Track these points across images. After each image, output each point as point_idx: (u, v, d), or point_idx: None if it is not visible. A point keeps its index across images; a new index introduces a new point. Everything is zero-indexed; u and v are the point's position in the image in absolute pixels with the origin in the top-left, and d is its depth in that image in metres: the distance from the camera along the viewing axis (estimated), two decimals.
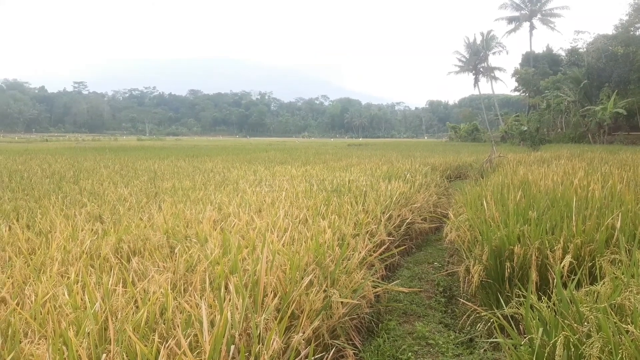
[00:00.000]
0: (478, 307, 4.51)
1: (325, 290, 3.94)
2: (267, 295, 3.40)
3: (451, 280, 6.12)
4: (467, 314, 4.75)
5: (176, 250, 4.61)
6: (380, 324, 4.66)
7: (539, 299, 3.44)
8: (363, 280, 4.43)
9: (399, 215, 7.57)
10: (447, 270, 6.30)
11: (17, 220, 6.08)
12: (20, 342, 2.75)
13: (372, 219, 6.65)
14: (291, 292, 3.50)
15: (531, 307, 3.09)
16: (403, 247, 7.07)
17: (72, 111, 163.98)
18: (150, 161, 16.46)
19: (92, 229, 5.54)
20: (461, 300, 5.07)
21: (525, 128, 38.50)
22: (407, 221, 7.59)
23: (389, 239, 6.55)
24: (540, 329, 2.86)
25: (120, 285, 3.59)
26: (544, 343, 2.83)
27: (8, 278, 3.82)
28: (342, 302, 3.80)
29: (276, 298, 3.33)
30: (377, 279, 5.38)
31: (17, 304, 3.34)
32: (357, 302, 4.05)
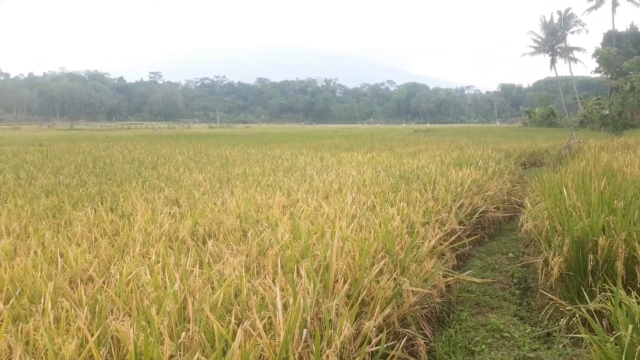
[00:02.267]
0: (557, 300, 4.30)
1: (395, 279, 3.90)
2: (337, 281, 3.41)
3: (527, 272, 5.87)
4: (545, 307, 4.55)
5: (249, 234, 4.73)
6: (451, 315, 4.56)
7: (627, 293, 3.21)
8: (434, 269, 4.34)
9: (470, 204, 7.34)
10: (522, 262, 6.05)
11: (102, 204, 6.49)
12: (107, 319, 2.93)
13: (442, 207, 6.50)
14: (362, 278, 3.50)
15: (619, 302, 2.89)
16: (475, 236, 6.85)
17: (148, 100, 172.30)
18: (221, 148, 17.00)
19: (170, 213, 5.81)
20: (539, 292, 4.85)
21: (607, 112, 36.04)
22: (480, 210, 7.35)
23: (460, 228, 6.38)
24: (630, 326, 2.67)
25: (197, 266, 3.74)
26: (633, 341, 2.64)
27: (95, 258, 4.08)
28: (412, 291, 3.74)
29: (346, 284, 3.33)
30: (448, 268, 5.26)
31: (103, 282, 3.57)
32: (428, 291, 3.98)
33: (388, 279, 3.63)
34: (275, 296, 2.90)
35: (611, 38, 58.71)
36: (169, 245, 4.45)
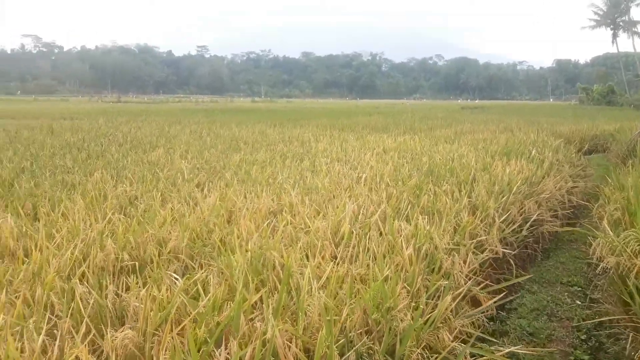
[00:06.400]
0: None
1: None
2: None
3: (598, 314, 4.11)
4: None
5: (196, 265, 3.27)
6: None
7: None
8: (459, 347, 2.71)
9: (520, 212, 5.58)
10: (591, 305, 4.30)
11: (48, 202, 5.15)
12: None
13: (481, 220, 4.78)
14: None
15: None
16: (525, 277, 5.08)
17: (195, 74, 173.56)
18: (241, 126, 15.56)
19: (110, 221, 4.39)
20: None
21: None
22: (532, 219, 5.58)
23: (503, 250, 4.66)
24: None
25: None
26: None
27: None
28: None
29: None
30: (481, 319, 3.60)
31: None
32: None
33: None
34: None
35: None
36: (61, 286, 3.00)
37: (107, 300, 2.79)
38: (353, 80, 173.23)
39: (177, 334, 2.38)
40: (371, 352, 2.37)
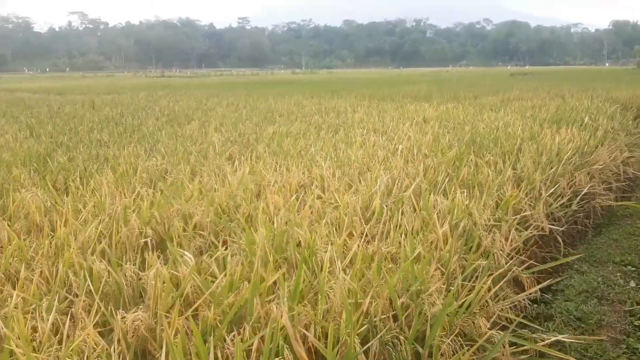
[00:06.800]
0: None
1: None
2: None
3: None
4: None
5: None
6: None
7: None
8: (497, 334, 2.47)
9: (569, 184, 5.18)
10: None
11: (80, 178, 5.16)
12: None
13: (527, 193, 4.44)
14: None
15: None
16: (574, 256, 4.72)
17: (236, 46, 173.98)
18: (278, 98, 15.36)
19: (138, 195, 4.33)
20: None
21: None
22: (583, 193, 5.17)
23: (550, 226, 4.32)
24: None
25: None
26: None
27: None
28: None
29: None
30: (523, 303, 3.32)
31: None
32: None
33: None
34: None
35: None
36: (78, 262, 2.94)
37: (125, 278, 2.70)
38: (396, 47, 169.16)
39: (191, 315, 2.26)
40: (397, 341, 2.17)
